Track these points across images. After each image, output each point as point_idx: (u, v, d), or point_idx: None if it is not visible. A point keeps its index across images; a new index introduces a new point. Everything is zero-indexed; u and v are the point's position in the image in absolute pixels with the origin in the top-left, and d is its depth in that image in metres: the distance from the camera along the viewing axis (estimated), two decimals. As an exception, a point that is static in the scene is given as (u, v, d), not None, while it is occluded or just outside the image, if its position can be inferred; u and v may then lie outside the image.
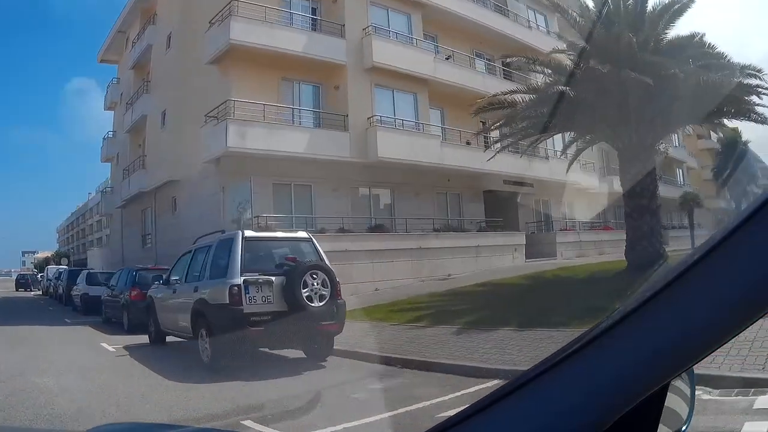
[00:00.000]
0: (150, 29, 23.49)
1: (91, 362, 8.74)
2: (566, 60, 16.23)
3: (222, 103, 16.70)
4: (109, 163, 31.79)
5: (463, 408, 0.85)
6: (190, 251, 9.73)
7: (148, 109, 23.30)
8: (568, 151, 20.61)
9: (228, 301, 7.18)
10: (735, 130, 27.08)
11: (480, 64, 23.90)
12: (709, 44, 14.54)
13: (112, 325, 14.19)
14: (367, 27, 19.39)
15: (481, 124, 23.85)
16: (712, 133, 33.20)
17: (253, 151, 16.48)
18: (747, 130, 31.43)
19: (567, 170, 19.61)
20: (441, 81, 20.80)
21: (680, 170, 33.10)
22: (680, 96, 13.52)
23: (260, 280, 7.37)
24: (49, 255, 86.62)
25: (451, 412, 1.10)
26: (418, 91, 20.70)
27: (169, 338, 10.18)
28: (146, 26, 24.02)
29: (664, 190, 29.76)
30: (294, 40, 17.71)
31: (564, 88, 15.01)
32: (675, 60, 13.76)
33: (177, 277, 9.63)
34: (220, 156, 17.09)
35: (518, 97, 16.25)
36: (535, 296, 12.30)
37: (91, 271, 20.46)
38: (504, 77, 24.22)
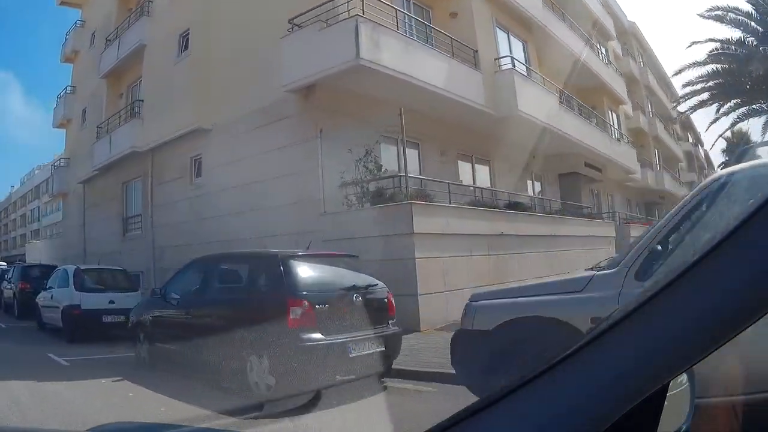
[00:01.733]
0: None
1: None
2: None
3: (329, 1, 8.73)
4: (63, 130, 21.03)
5: (463, 408, 0.70)
6: None
7: (149, 36, 14.08)
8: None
9: None
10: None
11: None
12: None
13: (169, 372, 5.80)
14: (489, -57, 12.41)
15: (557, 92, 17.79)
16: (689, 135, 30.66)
17: (388, 71, 8.76)
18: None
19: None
20: (549, 33, 14.35)
21: (677, 168, 29.57)
22: None
23: None
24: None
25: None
26: (529, 41, 14.06)
27: None
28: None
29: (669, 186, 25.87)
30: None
31: None
32: None
33: None
34: (319, 80, 9.08)
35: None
36: None
37: (81, 267, 10.56)
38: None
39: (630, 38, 24.00)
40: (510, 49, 13.06)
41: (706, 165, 32.97)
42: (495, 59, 12.00)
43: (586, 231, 14.41)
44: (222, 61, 11.44)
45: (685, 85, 14.14)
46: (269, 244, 8.82)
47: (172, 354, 5.89)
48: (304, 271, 4.81)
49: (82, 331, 9.00)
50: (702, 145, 32.15)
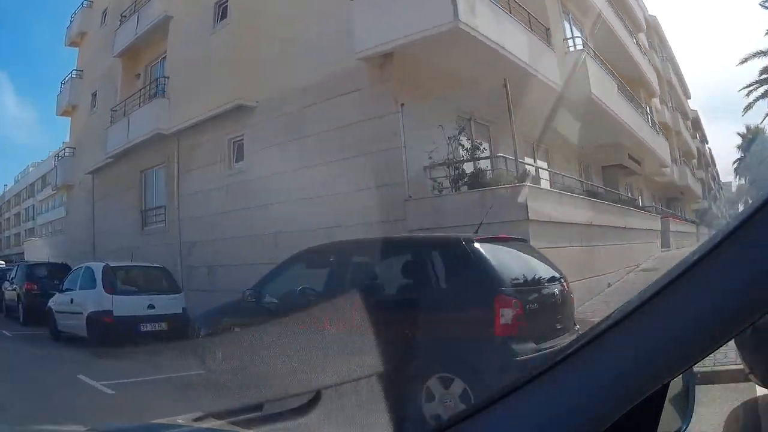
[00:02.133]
0: None
1: None
2: None
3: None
4: (68, 118, 19.10)
5: (463, 408, 0.62)
6: None
7: (175, 7, 12.49)
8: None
9: None
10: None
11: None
12: None
13: None
14: None
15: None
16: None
17: (483, 39, 7.55)
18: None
19: None
20: (603, 19, 13.32)
21: (692, 165, 28.88)
22: None
23: None
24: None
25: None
26: (584, 25, 12.99)
27: None
28: None
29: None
30: None
31: None
32: None
33: None
34: (400, 47, 7.78)
35: None
36: None
37: (111, 264, 8.57)
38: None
39: (652, 32, 23.24)
40: (572, 32, 11.99)
41: (710, 163, 32.74)
42: (563, 40, 10.90)
43: (643, 224, 13.46)
44: (269, 30, 10.03)
45: (762, 72, 13.31)
46: (336, 236, 7.53)
47: (278, 378, 4.43)
48: (503, 261, 3.54)
49: (112, 340, 7.37)
50: (707, 143, 31.90)
